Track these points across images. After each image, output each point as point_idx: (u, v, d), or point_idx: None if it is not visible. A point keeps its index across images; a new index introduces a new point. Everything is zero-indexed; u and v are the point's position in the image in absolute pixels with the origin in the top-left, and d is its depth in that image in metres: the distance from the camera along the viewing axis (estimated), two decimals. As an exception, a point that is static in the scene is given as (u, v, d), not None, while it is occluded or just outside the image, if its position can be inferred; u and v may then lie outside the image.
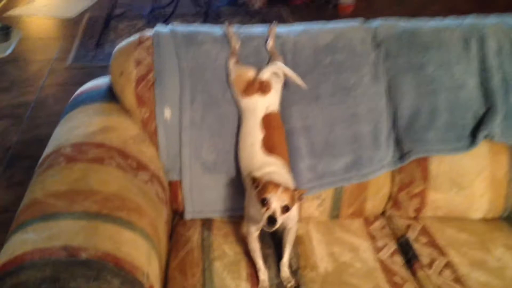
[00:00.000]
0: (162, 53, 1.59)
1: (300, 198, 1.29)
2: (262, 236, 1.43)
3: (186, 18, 4.89)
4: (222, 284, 1.34)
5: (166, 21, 4.52)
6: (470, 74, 1.60)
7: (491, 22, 1.69)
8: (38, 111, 3.35)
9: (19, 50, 4.26)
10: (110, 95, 1.63)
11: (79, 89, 1.76)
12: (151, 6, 4.51)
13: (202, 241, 1.48)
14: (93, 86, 1.73)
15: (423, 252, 1.48)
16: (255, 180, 1.30)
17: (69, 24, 4.75)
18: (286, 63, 1.58)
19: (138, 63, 1.58)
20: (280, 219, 1.23)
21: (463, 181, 1.57)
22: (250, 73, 1.53)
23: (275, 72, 1.53)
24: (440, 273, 1.41)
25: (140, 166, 1.44)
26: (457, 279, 1.39)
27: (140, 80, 1.57)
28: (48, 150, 1.45)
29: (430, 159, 1.58)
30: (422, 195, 1.59)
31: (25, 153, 2.91)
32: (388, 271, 1.42)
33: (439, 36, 1.63)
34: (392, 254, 1.49)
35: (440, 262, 1.44)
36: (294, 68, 1.58)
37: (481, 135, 1.54)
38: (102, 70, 3.92)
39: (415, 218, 1.62)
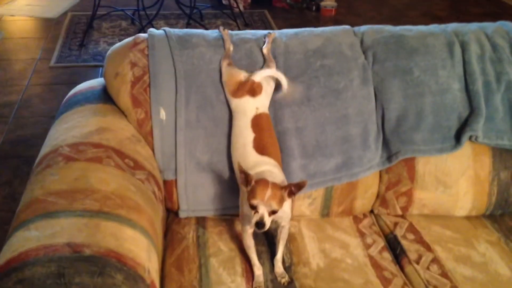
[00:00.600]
0: (157, 55, 1.62)
1: (292, 193, 1.29)
2: (256, 233, 1.47)
3: (170, 20, 4.91)
4: (218, 279, 1.38)
5: (150, 22, 4.53)
6: (455, 78, 1.67)
7: (473, 28, 1.77)
8: (23, 111, 3.33)
9: (1, 50, 4.23)
10: (105, 96, 1.66)
11: (73, 90, 1.77)
12: (136, 6, 4.51)
13: (198, 238, 1.52)
14: (88, 87, 1.74)
15: (411, 248, 1.54)
16: (246, 175, 1.29)
17: (52, 24, 4.73)
18: (278, 67, 1.62)
19: (134, 65, 1.61)
20: (269, 221, 1.27)
21: (448, 180, 1.64)
22: (241, 75, 1.57)
23: (269, 76, 1.57)
24: (427, 268, 1.48)
25: (137, 166, 1.47)
26: (444, 274, 1.45)
27: (135, 81, 1.59)
28: (45, 150, 1.46)
29: (417, 160, 1.64)
30: (409, 194, 1.66)
31: (11, 153, 2.90)
32: (377, 267, 1.48)
33: (424, 42, 1.70)
34: (381, 250, 1.54)
35: (427, 258, 1.51)
36: (285, 71, 1.63)
37: (465, 136, 1.61)
38: (87, 70, 3.96)
39: (403, 216, 1.69)
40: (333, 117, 1.62)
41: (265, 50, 1.65)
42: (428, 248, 1.54)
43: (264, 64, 1.63)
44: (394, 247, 1.57)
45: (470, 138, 1.62)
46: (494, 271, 1.47)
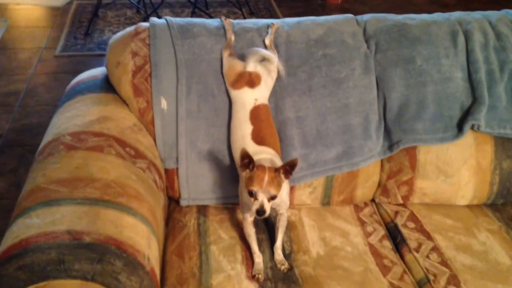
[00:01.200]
0: (159, 44, 1.62)
1: (288, 172, 1.28)
2: (257, 221, 1.48)
3: (175, 8, 4.90)
4: (218, 266, 1.39)
5: (155, 10, 4.52)
6: (457, 67, 1.66)
7: (476, 17, 1.76)
8: (28, 100, 3.35)
9: (6, 39, 4.24)
10: (107, 85, 1.67)
11: (75, 78, 1.78)
12: (141, -5, 4.52)
13: (198, 226, 1.53)
14: (90, 76, 1.75)
15: (411, 236, 1.55)
16: (250, 159, 1.28)
17: (57, 13, 4.73)
18: (279, 56, 1.62)
19: (135, 54, 1.61)
20: (269, 207, 1.28)
21: (449, 169, 1.64)
22: (241, 66, 1.56)
23: (257, 59, 1.55)
24: (427, 256, 1.48)
25: (138, 154, 1.48)
26: (444, 262, 1.46)
27: (136, 71, 1.60)
28: (47, 138, 1.47)
29: (418, 149, 1.64)
30: (410, 183, 1.66)
31: (16, 141, 2.93)
32: (377, 255, 1.48)
33: (427, 31, 1.69)
34: (381, 239, 1.55)
35: (427, 246, 1.51)
36: (287, 60, 1.63)
37: (467, 125, 1.60)
38: (92, 59, 3.96)
39: (403, 205, 1.69)
40: (334, 107, 1.62)
41: (267, 41, 1.65)
42: (429, 237, 1.55)
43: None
44: (394, 235, 1.58)
45: (472, 127, 1.62)
46: (494, 260, 1.47)
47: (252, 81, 1.52)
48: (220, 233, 1.51)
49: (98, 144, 1.41)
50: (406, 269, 1.45)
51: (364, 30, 1.73)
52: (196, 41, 1.64)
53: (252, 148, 1.44)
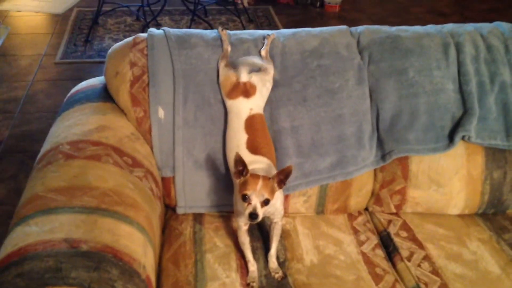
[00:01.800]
0: (156, 55, 1.65)
1: (281, 182, 1.32)
2: (251, 229, 1.51)
3: (174, 16, 4.94)
4: (213, 274, 1.41)
5: (154, 18, 4.57)
6: (449, 79, 1.69)
7: (468, 29, 1.79)
8: (28, 106, 3.38)
9: (7, 46, 4.27)
10: (105, 95, 1.69)
11: (74, 88, 1.81)
12: (140, 3, 4.55)
13: (194, 234, 1.55)
14: (88, 86, 1.78)
15: (403, 245, 1.57)
16: (243, 165, 1.31)
17: (58, 20, 4.77)
18: (275, 67, 1.66)
19: (133, 64, 1.64)
20: (262, 212, 1.30)
21: (441, 179, 1.67)
22: (236, 76, 1.59)
23: (249, 68, 1.58)
24: (419, 265, 1.51)
25: (135, 163, 1.51)
26: (435, 271, 1.48)
27: (134, 81, 1.63)
28: (46, 147, 1.50)
29: (411, 159, 1.67)
30: (402, 192, 1.68)
31: (16, 148, 2.96)
32: (370, 263, 1.51)
33: (420, 43, 1.72)
34: (374, 248, 1.58)
35: (419, 255, 1.54)
36: (282, 71, 1.66)
37: (459, 136, 1.63)
38: (92, 66, 4.00)
39: (396, 214, 1.72)
40: (329, 117, 1.65)
41: (263, 52, 1.68)
42: (420, 246, 1.57)
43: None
44: (387, 244, 1.60)
45: (463, 138, 1.64)
46: (484, 269, 1.50)
47: (247, 91, 1.55)
48: (216, 241, 1.53)
49: (96, 153, 1.44)
50: (398, 278, 1.48)
51: (358, 42, 1.76)
52: (193, 51, 1.67)
53: (247, 157, 1.46)
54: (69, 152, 1.43)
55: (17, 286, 1.06)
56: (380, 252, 1.56)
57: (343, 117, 1.65)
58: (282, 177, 1.32)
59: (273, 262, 1.47)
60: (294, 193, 1.64)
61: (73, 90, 1.80)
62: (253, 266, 1.44)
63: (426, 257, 1.53)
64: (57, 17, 4.84)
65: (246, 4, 5.17)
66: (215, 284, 1.38)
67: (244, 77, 1.56)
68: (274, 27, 4.76)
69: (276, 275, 1.44)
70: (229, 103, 1.58)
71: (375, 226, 1.69)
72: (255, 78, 1.57)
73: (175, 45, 1.67)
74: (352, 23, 1.83)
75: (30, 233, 1.17)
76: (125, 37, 1.75)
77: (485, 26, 1.82)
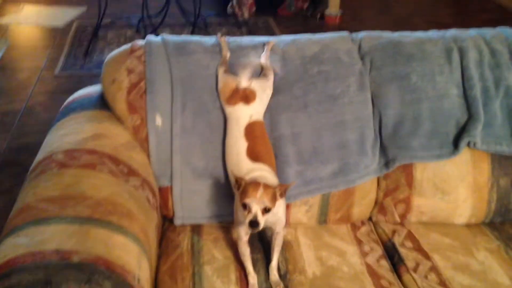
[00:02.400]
0: (154, 62, 1.62)
1: (283, 193, 1.31)
2: (252, 240, 1.46)
3: (175, 28, 4.93)
4: (211, 288, 1.36)
5: (155, 30, 4.56)
6: (453, 84, 1.65)
7: (471, 34, 1.76)
8: (26, 119, 3.35)
9: (6, 59, 4.27)
10: (101, 103, 1.66)
11: (70, 97, 1.78)
12: (140, 15, 4.54)
13: (192, 246, 1.50)
14: (84, 94, 1.75)
15: (409, 256, 1.52)
16: (237, 180, 1.31)
17: (58, 33, 4.76)
18: (275, 73, 1.62)
19: (130, 71, 1.61)
20: (262, 220, 1.25)
21: (446, 187, 1.62)
22: (235, 83, 1.56)
23: (250, 72, 1.56)
24: (425, 276, 1.45)
25: (131, 172, 1.46)
26: (442, 282, 1.43)
27: (131, 88, 1.59)
28: (39, 156, 1.46)
29: (415, 166, 1.62)
30: (407, 200, 1.63)
31: (14, 161, 2.91)
32: (374, 275, 1.45)
33: (422, 48, 1.69)
34: (379, 258, 1.52)
35: (425, 266, 1.48)
36: (283, 77, 1.63)
37: (463, 142, 1.59)
38: (91, 79, 3.98)
39: (401, 223, 1.66)
40: (330, 123, 1.61)
41: (263, 59, 1.64)
42: (427, 256, 1.52)
43: (262, 72, 1.62)
44: (392, 255, 1.55)
45: (468, 144, 1.60)
46: (493, 280, 1.44)
47: (247, 97, 1.52)
48: (214, 253, 1.48)
49: (90, 161, 1.40)
50: (404, 290, 1.42)
51: (359, 47, 1.73)
52: (191, 58, 1.64)
53: (247, 165, 1.43)
54: (62, 161, 1.39)
55: (4, 299, 1.01)
56: (384, 263, 1.51)
57: (344, 123, 1.61)
58: (282, 190, 1.30)
59: (274, 275, 1.41)
60: (296, 202, 1.60)
61: (68, 99, 1.77)
62: (253, 278, 1.39)
63: (433, 268, 1.47)
64: (57, 30, 4.84)
65: (246, 16, 5.16)
66: (214, 297, 1.33)
67: (244, 82, 1.53)
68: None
69: (277, 288, 1.38)
70: (229, 109, 1.54)
71: (379, 236, 1.63)
72: (255, 84, 1.54)
73: (173, 52, 1.64)
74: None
75: (20, 244, 1.13)
76: (125, 50, 1.72)
77: (488, 31, 1.78)
